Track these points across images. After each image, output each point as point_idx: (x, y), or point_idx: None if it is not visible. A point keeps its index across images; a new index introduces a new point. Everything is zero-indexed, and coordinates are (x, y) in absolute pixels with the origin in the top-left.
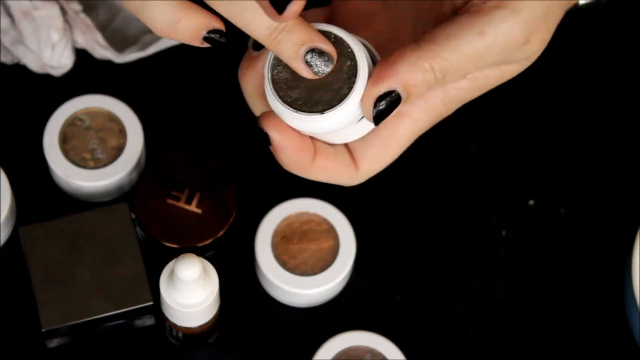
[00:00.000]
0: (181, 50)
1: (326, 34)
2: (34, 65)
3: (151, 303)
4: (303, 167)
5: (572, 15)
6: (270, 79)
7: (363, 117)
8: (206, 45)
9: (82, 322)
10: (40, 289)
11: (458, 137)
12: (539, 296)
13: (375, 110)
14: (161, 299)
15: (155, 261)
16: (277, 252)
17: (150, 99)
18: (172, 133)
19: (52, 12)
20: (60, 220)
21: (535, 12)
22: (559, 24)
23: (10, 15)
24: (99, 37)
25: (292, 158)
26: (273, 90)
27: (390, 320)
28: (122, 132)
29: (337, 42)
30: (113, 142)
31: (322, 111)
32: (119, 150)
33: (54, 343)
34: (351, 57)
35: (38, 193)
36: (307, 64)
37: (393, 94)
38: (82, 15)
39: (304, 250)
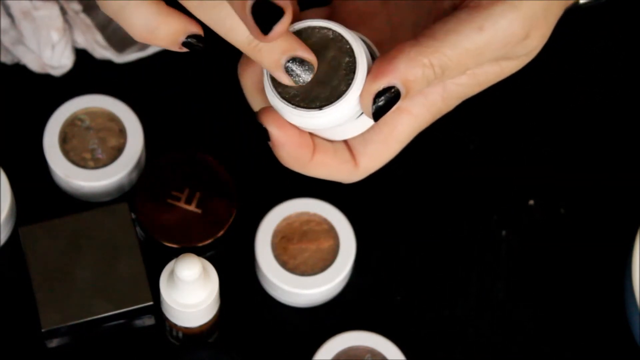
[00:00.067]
0: None
1: (325, 30)
2: (34, 65)
3: (151, 303)
4: (302, 164)
5: (572, 14)
6: (269, 75)
7: (362, 113)
8: (184, 50)
9: (82, 322)
10: (40, 289)
11: (458, 137)
12: (539, 296)
13: (374, 107)
14: (161, 299)
15: (155, 261)
16: (277, 252)
17: (150, 99)
18: (172, 133)
19: (52, 12)
20: (60, 220)
21: (534, 7)
22: (558, 22)
23: (10, 15)
24: (99, 37)
25: (291, 154)
26: (272, 86)
27: (390, 320)
28: (122, 132)
29: (335, 38)
30: (113, 142)
31: (320, 107)
32: (119, 150)
33: (54, 343)
34: (350, 53)
35: (38, 193)
36: (288, 72)
37: (392, 90)
38: (82, 15)
39: (304, 250)
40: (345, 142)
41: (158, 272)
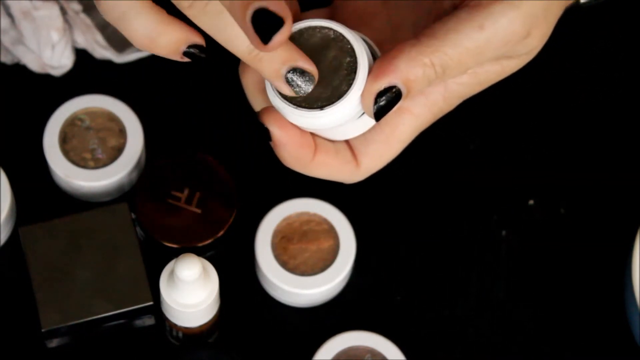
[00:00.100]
0: None
1: (326, 30)
2: (34, 65)
3: (151, 303)
4: (303, 164)
5: (572, 14)
6: None
7: (364, 113)
8: (186, 59)
9: (82, 322)
10: (40, 289)
11: (458, 137)
12: (539, 296)
13: (375, 106)
14: (161, 299)
15: (155, 261)
16: (277, 252)
17: (150, 99)
18: (172, 133)
19: (52, 12)
20: (60, 220)
21: (535, 6)
22: (559, 21)
23: (10, 15)
24: (99, 37)
25: (293, 154)
26: (273, 86)
27: (390, 320)
28: (122, 132)
29: (337, 38)
30: (113, 142)
31: (322, 107)
32: (119, 150)
33: (54, 343)
34: (351, 53)
35: (38, 193)
36: (289, 82)
37: (393, 90)
38: (82, 15)
39: (304, 250)
40: (347, 142)
41: (158, 272)
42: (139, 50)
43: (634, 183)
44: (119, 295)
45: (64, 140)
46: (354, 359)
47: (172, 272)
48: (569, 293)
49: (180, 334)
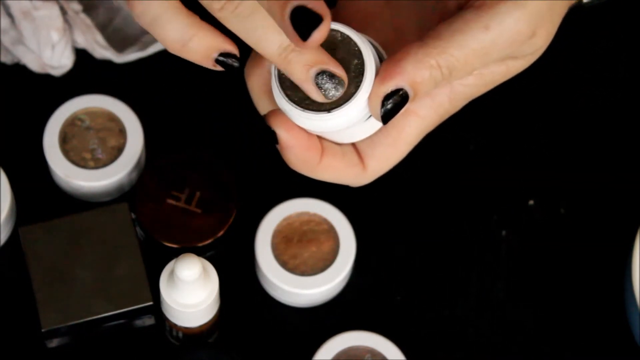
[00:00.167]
0: None
1: (333, 32)
2: (34, 65)
3: (151, 303)
4: (310, 167)
5: (574, 14)
6: (277, 77)
7: (370, 116)
8: (218, 68)
9: (82, 322)
10: (40, 289)
11: (458, 137)
12: (539, 296)
13: (383, 109)
14: (161, 299)
15: (155, 261)
16: (277, 252)
17: (150, 99)
18: (172, 133)
19: (52, 12)
20: (60, 220)
21: (540, 5)
22: (561, 21)
23: (10, 15)
24: (99, 37)
25: (300, 157)
26: (280, 89)
27: (390, 320)
28: (122, 132)
29: (344, 40)
30: (113, 142)
31: (329, 110)
32: (119, 150)
33: (54, 343)
34: (358, 55)
35: (38, 193)
36: (318, 86)
37: (400, 92)
38: (82, 15)
39: (304, 250)
40: (353, 145)
41: (158, 272)
42: (139, 50)
43: (634, 183)
44: (119, 295)
45: (64, 140)
46: (354, 359)
47: (172, 272)
48: (569, 293)
49: (180, 334)
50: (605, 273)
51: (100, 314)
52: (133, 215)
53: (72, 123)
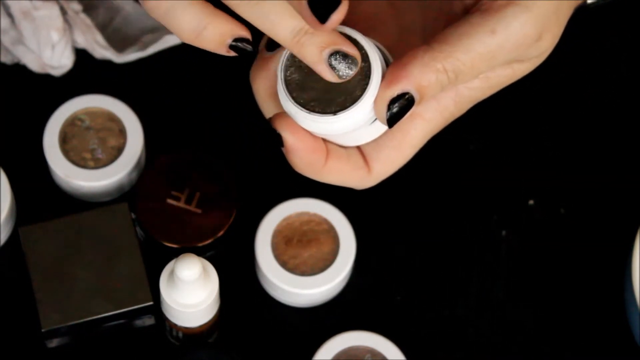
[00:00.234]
0: (181, 50)
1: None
2: (34, 65)
3: (151, 303)
4: (315, 169)
5: (579, 14)
6: (283, 80)
7: (376, 119)
8: (232, 54)
9: (82, 322)
10: (40, 289)
11: (458, 137)
12: (539, 296)
13: (389, 113)
14: (161, 299)
15: (155, 261)
16: (277, 252)
17: (150, 99)
18: (172, 133)
19: (52, 12)
20: (60, 220)
21: (545, 8)
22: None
23: (10, 15)
24: (99, 37)
25: (305, 160)
26: (286, 91)
27: (390, 320)
28: (122, 132)
29: None
30: (113, 142)
31: (335, 112)
32: (119, 150)
33: (54, 343)
34: (365, 58)
35: (38, 193)
36: (331, 67)
37: (406, 96)
38: (82, 15)
39: (304, 250)
40: (358, 148)
41: (158, 272)
42: (139, 50)
43: (634, 183)
44: (119, 295)
45: (64, 140)
46: (354, 359)
47: (172, 272)
48: (569, 293)
49: (180, 334)
50: (605, 273)
51: (100, 314)
52: (133, 215)
53: (72, 123)
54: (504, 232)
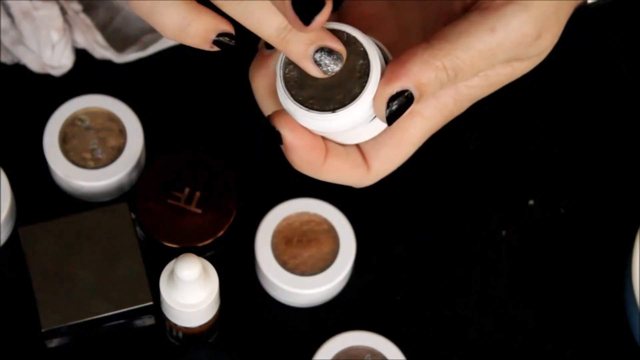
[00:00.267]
0: (181, 50)
1: (339, 33)
2: (34, 65)
3: (151, 303)
4: (314, 167)
5: (579, 14)
6: (282, 78)
7: (375, 117)
8: (215, 49)
9: (82, 322)
10: (40, 289)
11: (458, 137)
12: (540, 296)
13: (388, 110)
14: (161, 299)
15: (155, 261)
16: (277, 252)
17: (150, 99)
18: (172, 133)
19: (52, 12)
20: (60, 220)
21: (545, 7)
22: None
23: (10, 15)
24: (99, 37)
25: (304, 157)
26: (285, 89)
27: (390, 320)
28: (122, 132)
29: (349, 40)
30: (113, 142)
31: (334, 110)
32: (119, 150)
33: (54, 343)
34: (364, 56)
35: (38, 193)
36: (317, 63)
37: (406, 94)
38: (82, 15)
39: (304, 250)
40: (357, 146)
41: (158, 272)
42: (139, 50)
43: (634, 183)
44: (119, 295)
45: (64, 140)
46: (354, 359)
47: (172, 272)
48: (569, 293)
49: (180, 334)
50: (605, 273)
51: (100, 314)
52: (133, 215)
53: (72, 123)
54: (504, 232)
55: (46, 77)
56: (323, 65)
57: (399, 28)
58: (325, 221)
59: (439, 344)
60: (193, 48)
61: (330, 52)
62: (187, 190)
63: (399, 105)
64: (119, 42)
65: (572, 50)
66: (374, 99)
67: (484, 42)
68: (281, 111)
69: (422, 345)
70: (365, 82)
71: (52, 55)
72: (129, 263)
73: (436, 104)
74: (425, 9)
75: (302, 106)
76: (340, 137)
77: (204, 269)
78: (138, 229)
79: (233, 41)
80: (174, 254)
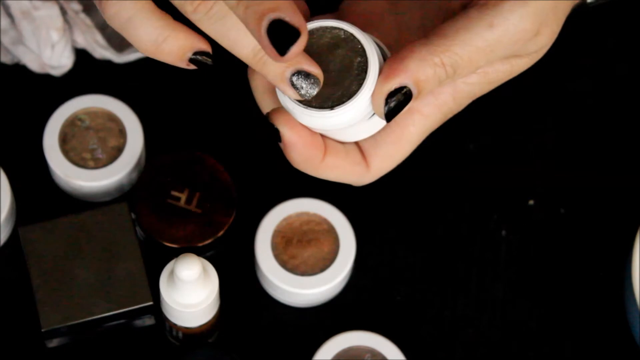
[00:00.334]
0: None
1: (337, 30)
2: (34, 65)
3: (151, 303)
4: (313, 165)
5: (578, 14)
6: None
7: (374, 114)
8: (192, 67)
9: (82, 322)
10: (40, 289)
11: (458, 137)
12: (539, 296)
13: (386, 107)
14: (161, 299)
15: (155, 261)
16: (277, 252)
17: (150, 99)
18: (172, 133)
19: (52, 12)
20: (60, 220)
21: (544, 4)
22: (564, 21)
23: (10, 15)
24: (99, 37)
25: (302, 155)
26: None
27: (390, 320)
28: (122, 132)
29: (347, 38)
30: (113, 142)
31: (332, 107)
32: (119, 150)
33: (54, 343)
34: (361, 53)
35: (38, 193)
36: (293, 86)
37: (404, 90)
38: (82, 15)
39: (304, 250)
40: (357, 143)
41: (158, 272)
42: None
43: (634, 183)
44: (119, 295)
45: (64, 140)
46: (353, 359)
47: (172, 272)
48: (569, 293)
49: (180, 334)
50: (605, 273)
51: (100, 314)
52: (133, 215)
53: (72, 123)
54: (504, 232)
55: (46, 77)
56: (299, 88)
57: (398, 26)
58: (325, 221)
59: (439, 344)
60: None
61: (307, 75)
62: (187, 190)
63: (397, 102)
64: (119, 42)
65: (572, 50)
66: (373, 95)
67: (483, 38)
68: (280, 109)
69: (422, 345)
70: (363, 79)
71: (52, 55)
72: (129, 263)
73: (435, 102)
74: (424, 6)
75: (300, 104)
76: (339, 135)
77: (204, 269)
78: (138, 229)
79: (210, 60)
80: (174, 254)
